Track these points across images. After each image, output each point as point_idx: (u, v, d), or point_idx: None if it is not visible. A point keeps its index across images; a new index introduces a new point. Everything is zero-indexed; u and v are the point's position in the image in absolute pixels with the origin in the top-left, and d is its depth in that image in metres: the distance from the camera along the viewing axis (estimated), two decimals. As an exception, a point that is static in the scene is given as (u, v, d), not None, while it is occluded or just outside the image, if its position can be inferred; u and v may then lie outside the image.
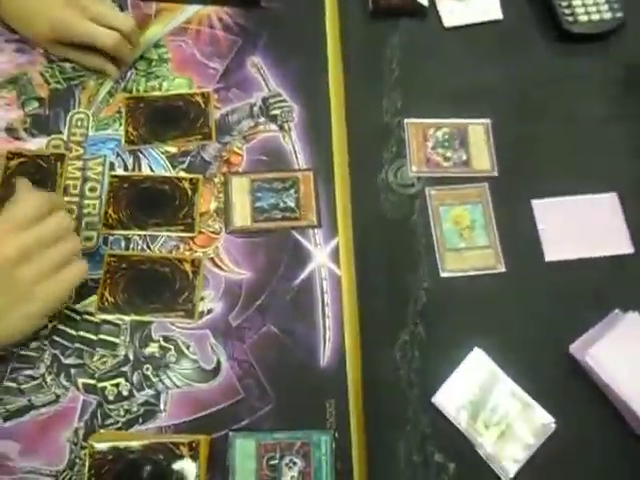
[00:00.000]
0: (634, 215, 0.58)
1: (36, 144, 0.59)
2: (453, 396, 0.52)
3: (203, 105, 0.61)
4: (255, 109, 0.62)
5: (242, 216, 0.57)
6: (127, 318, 0.53)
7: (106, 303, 0.54)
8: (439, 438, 0.51)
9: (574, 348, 0.54)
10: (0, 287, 0.47)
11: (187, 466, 0.47)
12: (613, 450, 0.51)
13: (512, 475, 0.50)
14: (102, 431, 0.50)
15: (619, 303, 0.55)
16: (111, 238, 0.56)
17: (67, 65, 0.63)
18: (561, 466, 0.50)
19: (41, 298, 0.48)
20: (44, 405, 0.50)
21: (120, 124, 0.60)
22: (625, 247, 0.57)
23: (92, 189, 0.58)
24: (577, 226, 0.58)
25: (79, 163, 0.59)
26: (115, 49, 0.59)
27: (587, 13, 0.64)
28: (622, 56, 0.65)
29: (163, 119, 0.61)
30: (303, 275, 0.56)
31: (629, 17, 0.65)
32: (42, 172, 0.58)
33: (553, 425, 0.51)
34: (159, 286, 0.54)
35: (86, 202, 0.57)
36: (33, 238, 0.48)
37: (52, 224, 0.49)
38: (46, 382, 0.51)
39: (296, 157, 0.60)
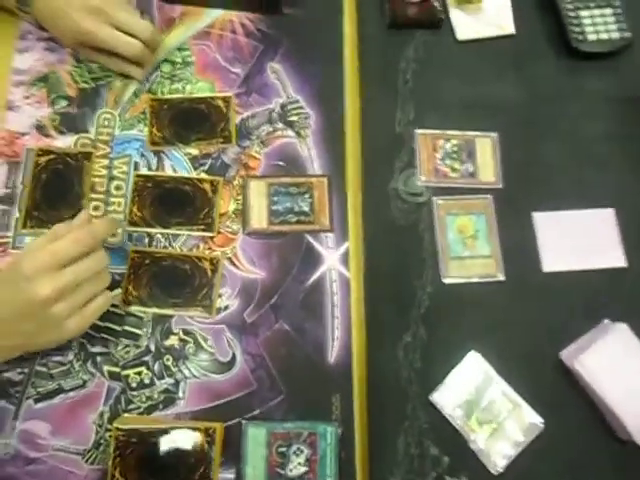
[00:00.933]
0: (629, 231, 0.62)
1: (64, 142, 0.62)
2: (450, 395, 0.56)
3: (224, 109, 0.64)
4: (274, 115, 0.64)
5: (259, 218, 0.61)
6: (149, 311, 0.57)
7: (130, 297, 0.57)
8: (435, 433, 0.55)
9: (564, 355, 0.57)
10: (33, 319, 0.49)
11: (204, 451, 0.52)
12: (596, 452, 0.55)
13: (501, 469, 0.54)
14: (126, 415, 0.54)
15: (610, 314, 0.58)
16: (135, 235, 0.60)
17: (94, 65, 0.65)
18: (547, 463, 0.54)
19: (70, 329, 0.51)
20: (72, 389, 0.55)
21: (145, 125, 0.63)
22: (619, 261, 0.61)
23: (118, 187, 0.61)
24: (575, 239, 0.62)
25: (105, 162, 0.62)
26: (136, 57, 0.62)
27: (596, 32, 0.66)
28: (629, 75, 0.67)
29: (186, 121, 0.63)
30: (314, 277, 0.59)
31: (637, 37, 0.67)
32: (70, 169, 0.61)
33: (541, 425, 0.55)
34: (180, 282, 0.58)
35: (112, 200, 0.61)
36: (69, 280, 0.49)
37: (89, 265, 0.51)
38: (74, 368, 0.55)
39: (312, 163, 0.63)
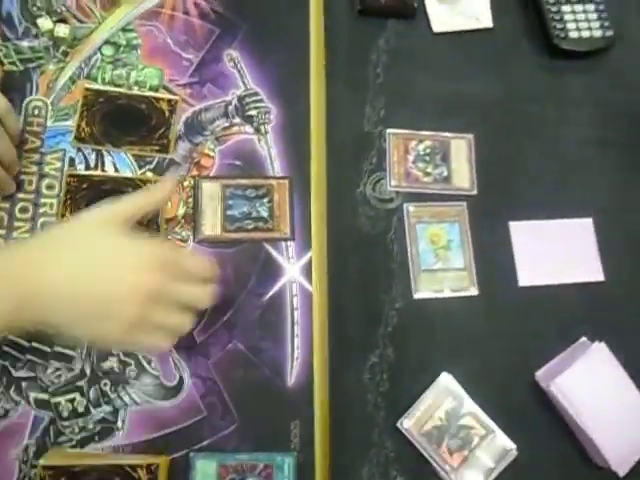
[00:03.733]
0: (607, 242, 0.58)
1: (-13, 132, 0.54)
2: (419, 421, 0.52)
3: (167, 114, 0.56)
4: (230, 108, 0.58)
5: (212, 224, 0.54)
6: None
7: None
8: (403, 462, 0.51)
9: (540, 375, 0.54)
10: (120, 310, 0.42)
11: (144, 489, 0.46)
12: (572, 479, 0.52)
13: (472, 500, 0.50)
14: (55, 450, 0.48)
15: (587, 331, 0.55)
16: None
17: (24, 44, 0.57)
18: (520, 492, 0.51)
19: (129, 343, 0.46)
20: (-8, 420, 0.48)
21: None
22: (597, 275, 0.58)
23: (50, 186, 0.54)
24: (552, 251, 0.58)
25: (36, 157, 0.54)
26: None
27: (578, 29, 0.63)
28: (607, 76, 0.64)
29: (121, 120, 0.56)
30: (273, 290, 0.54)
31: (618, 36, 0.64)
32: (-7, 165, 0.53)
33: (515, 452, 0.52)
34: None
35: (42, 201, 0.53)
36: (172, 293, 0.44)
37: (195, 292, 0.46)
38: (-6, 396, 0.48)
39: (271, 163, 0.57)
